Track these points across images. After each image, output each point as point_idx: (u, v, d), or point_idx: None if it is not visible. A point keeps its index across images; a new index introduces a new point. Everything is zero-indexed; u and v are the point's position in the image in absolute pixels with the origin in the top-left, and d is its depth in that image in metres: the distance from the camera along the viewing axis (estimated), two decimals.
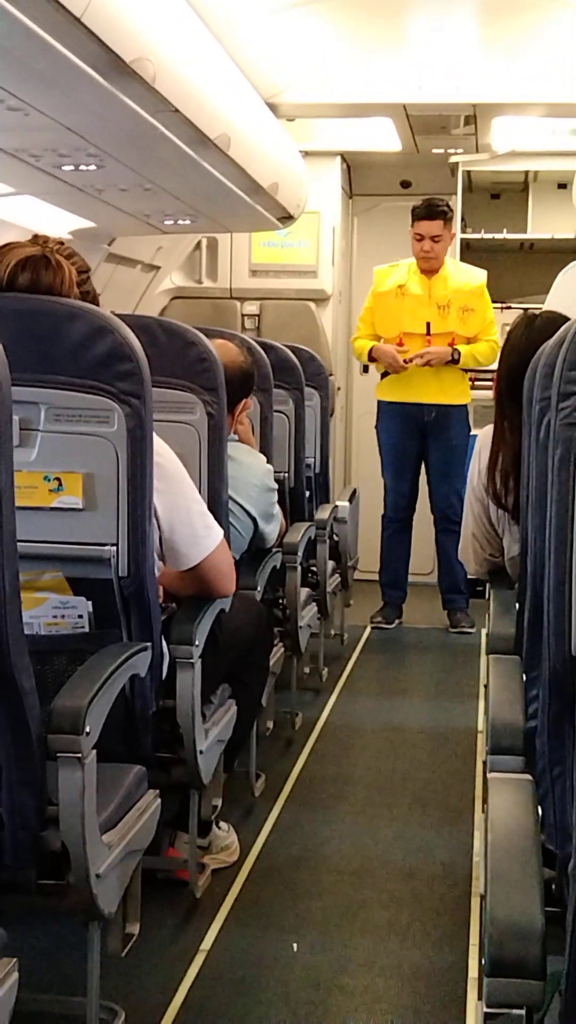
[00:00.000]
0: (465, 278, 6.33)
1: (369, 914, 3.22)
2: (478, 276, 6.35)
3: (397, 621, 6.63)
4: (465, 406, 6.37)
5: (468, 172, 7.35)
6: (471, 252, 7.32)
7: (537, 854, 1.70)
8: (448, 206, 6.39)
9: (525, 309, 5.59)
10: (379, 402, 6.52)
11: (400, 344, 6.29)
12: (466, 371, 6.37)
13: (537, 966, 1.51)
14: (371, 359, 6.41)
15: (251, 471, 3.75)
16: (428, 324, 6.26)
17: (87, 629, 2.55)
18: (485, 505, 3.62)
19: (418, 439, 6.42)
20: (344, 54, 5.58)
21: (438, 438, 6.35)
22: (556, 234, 7.25)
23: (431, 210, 6.28)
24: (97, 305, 2.63)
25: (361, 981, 2.87)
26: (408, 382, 6.32)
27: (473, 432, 6.22)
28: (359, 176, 7.86)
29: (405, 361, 6.23)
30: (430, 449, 6.41)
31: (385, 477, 6.60)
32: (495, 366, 3.75)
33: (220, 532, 2.91)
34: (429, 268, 6.31)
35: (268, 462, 3.95)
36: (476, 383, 6.43)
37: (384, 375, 6.45)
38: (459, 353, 6.23)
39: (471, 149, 7.00)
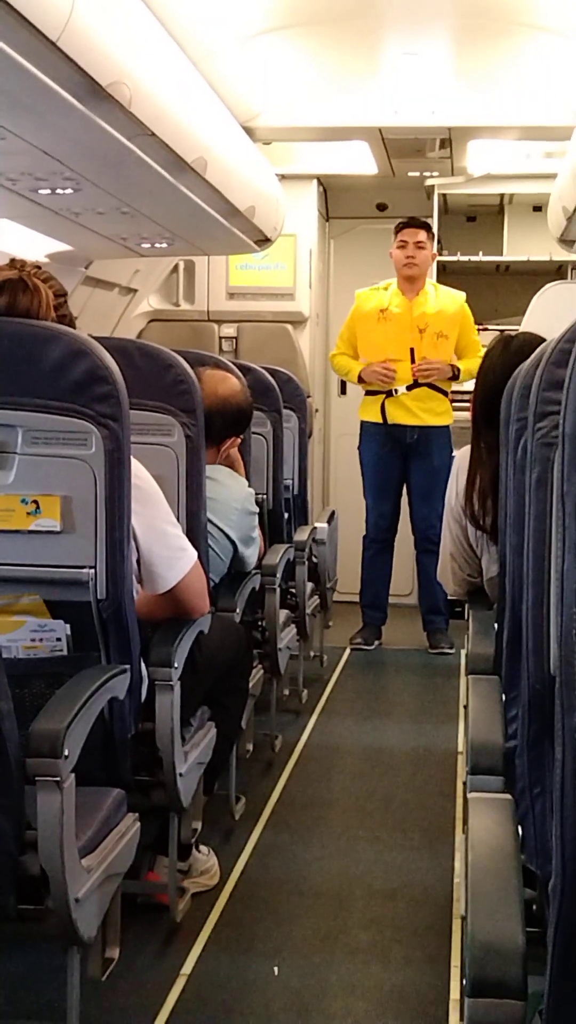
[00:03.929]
0: (444, 302, 6.35)
1: (350, 937, 3.21)
2: (456, 300, 6.38)
3: (377, 642, 6.62)
4: (447, 427, 6.37)
5: (444, 195, 7.40)
6: (447, 274, 7.36)
7: (517, 874, 1.70)
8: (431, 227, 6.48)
9: (501, 331, 5.63)
10: (362, 423, 6.53)
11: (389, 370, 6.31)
12: (444, 392, 6.38)
13: (518, 986, 1.51)
14: (360, 381, 6.42)
15: (232, 494, 3.75)
16: (412, 350, 6.28)
17: (65, 652, 2.54)
18: (463, 526, 3.63)
19: (400, 461, 6.43)
20: (320, 78, 5.60)
21: (420, 460, 6.36)
22: (531, 256, 7.29)
23: (414, 219, 6.42)
24: (74, 328, 2.63)
25: (343, 1004, 2.86)
26: (392, 405, 6.34)
27: (454, 453, 6.23)
28: (335, 199, 7.89)
29: (395, 389, 6.29)
30: (412, 471, 6.42)
31: (367, 498, 6.60)
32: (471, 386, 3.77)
33: (194, 553, 2.91)
34: (411, 275, 6.34)
35: (248, 484, 3.96)
36: (455, 404, 6.44)
37: (369, 393, 6.46)
38: (459, 370, 6.26)
39: (447, 172, 7.04)
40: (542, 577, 1.76)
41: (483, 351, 6.17)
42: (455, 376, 6.29)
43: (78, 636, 2.54)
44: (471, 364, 6.19)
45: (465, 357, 6.31)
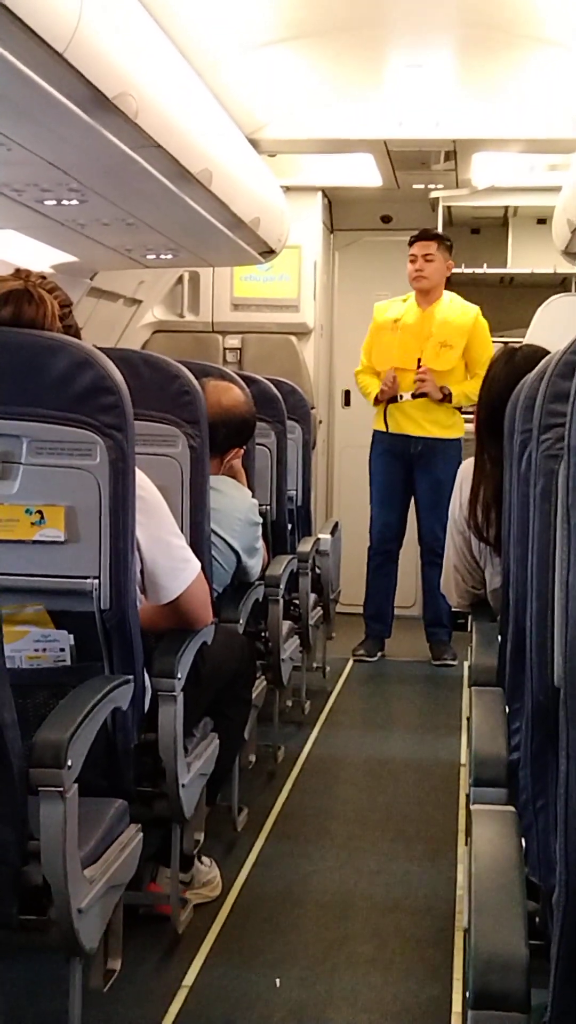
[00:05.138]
0: (454, 314, 6.36)
1: (352, 948, 3.21)
2: (467, 313, 6.38)
3: (380, 654, 6.61)
4: (456, 440, 6.33)
5: (448, 207, 7.41)
6: (452, 286, 7.35)
7: (521, 886, 1.69)
8: (447, 237, 6.49)
9: (505, 343, 5.62)
10: (374, 432, 6.56)
11: (394, 379, 6.32)
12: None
13: (521, 999, 1.50)
14: (377, 402, 6.42)
15: (235, 504, 3.75)
16: (419, 360, 6.29)
17: (69, 662, 2.54)
18: (467, 538, 3.63)
19: (405, 471, 6.44)
20: (325, 90, 5.61)
21: (425, 471, 6.36)
22: (536, 268, 7.30)
23: (424, 232, 6.44)
24: (79, 339, 2.64)
25: (345, 1016, 2.85)
26: (398, 414, 6.37)
27: None
28: (340, 211, 7.91)
29: (401, 395, 6.30)
30: (417, 482, 6.42)
31: (372, 507, 6.61)
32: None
33: (197, 564, 2.91)
34: (421, 288, 6.37)
35: (251, 495, 3.96)
36: (466, 416, 6.43)
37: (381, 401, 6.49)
38: (450, 392, 6.25)
39: (451, 184, 7.04)
40: (546, 589, 1.76)
41: None
42: (446, 398, 6.27)
43: (81, 646, 2.54)
44: (468, 387, 6.20)
45: (472, 373, 6.29)
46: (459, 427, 6.37)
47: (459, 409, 6.34)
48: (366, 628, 6.66)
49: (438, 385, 6.25)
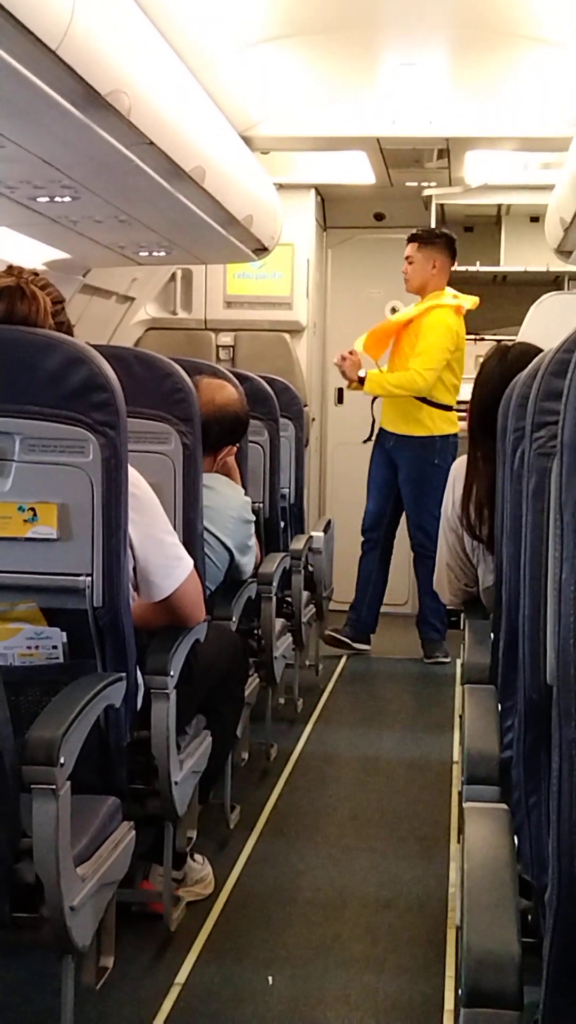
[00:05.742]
0: (417, 310, 6.38)
1: (344, 946, 3.20)
2: (420, 306, 6.37)
3: (357, 647, 6.57)
4: (428, 438, 6.30)
5: (441, 205, 7.41)
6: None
7: (513, 884, 1.69)
8: (432, 232, 6.55)
9: (498, 341, 5.62)
10: None
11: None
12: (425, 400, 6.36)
13: (514, 996, 1.50)
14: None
15: (229, 502, 3.75)
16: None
17: (61, 660, 2.54)
18: (460, 536, 3.63)
19: (388, 464, 6.51)
20: (318, 88, 5.61)
21: (401, 467, 6.44)
22: (529, 267, 7.30)
23: (410, 236, 6.48)
24: (72, 336, 2.63)
25: (337, 1014, 2.85)
26: (382, 407, 6.48)
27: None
28: (333, 209, 7.91)
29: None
30: (398, 476, 6.46)
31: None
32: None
33: (190, 561, 2.91)
34: (408, 291, 6.48)
35: (244, 493, 3.96)
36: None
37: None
38: (363, 379, 6.31)
39: (444, 182, 7.05)
40: (539, 587, 1.76)
41: (431, 365, 6.16)
42: (360, 382, 6.32)
43: (74, 644, 2.54)
44: (387, 377, 6.26)
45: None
46: (429, 425, 6.32)
47: (445, 407, 6.31)
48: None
49: (357, 371, 6.33)
